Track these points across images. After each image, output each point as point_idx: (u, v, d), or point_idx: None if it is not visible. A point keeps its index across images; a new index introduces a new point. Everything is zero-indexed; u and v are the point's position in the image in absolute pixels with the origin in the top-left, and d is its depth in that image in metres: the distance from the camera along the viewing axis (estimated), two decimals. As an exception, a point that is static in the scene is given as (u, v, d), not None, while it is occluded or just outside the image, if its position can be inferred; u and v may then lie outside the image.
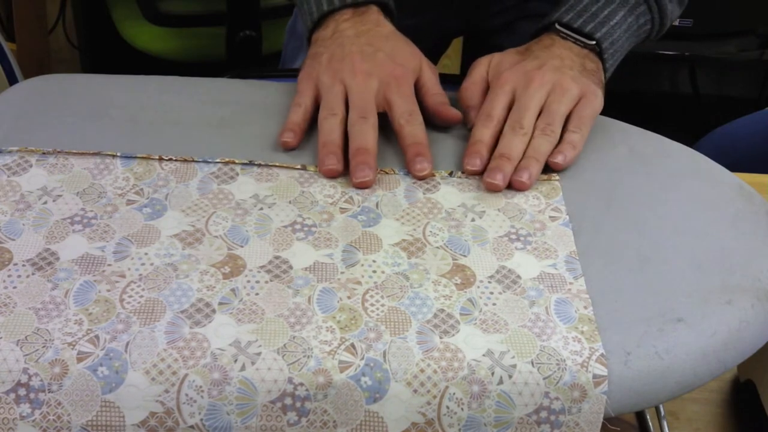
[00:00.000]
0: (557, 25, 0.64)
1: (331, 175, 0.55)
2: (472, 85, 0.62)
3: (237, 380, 0.42)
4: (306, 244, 0.49)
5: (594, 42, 0.63)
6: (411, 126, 0.57)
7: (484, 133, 0.57)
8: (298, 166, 0.56)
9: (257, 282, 0.46)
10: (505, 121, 0.58)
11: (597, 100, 0.60)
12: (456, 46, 1.02)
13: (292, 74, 0.86)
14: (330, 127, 0.57)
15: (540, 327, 0.45)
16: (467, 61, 0.95)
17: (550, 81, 0.59)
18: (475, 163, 0.56)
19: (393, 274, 0.48)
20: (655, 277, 0.49)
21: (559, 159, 0.56)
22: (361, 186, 0.54)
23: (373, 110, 0.58)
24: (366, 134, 0.56)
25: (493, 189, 0.54)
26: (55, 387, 0.41)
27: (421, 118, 0.58)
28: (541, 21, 0.66)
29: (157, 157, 0.55)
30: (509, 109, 0.59)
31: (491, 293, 0.47)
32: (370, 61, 0.59)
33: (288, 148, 0.57)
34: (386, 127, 0.58)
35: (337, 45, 0.61)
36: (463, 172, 0.56)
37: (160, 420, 0.41)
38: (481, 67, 0.63)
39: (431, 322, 0.45)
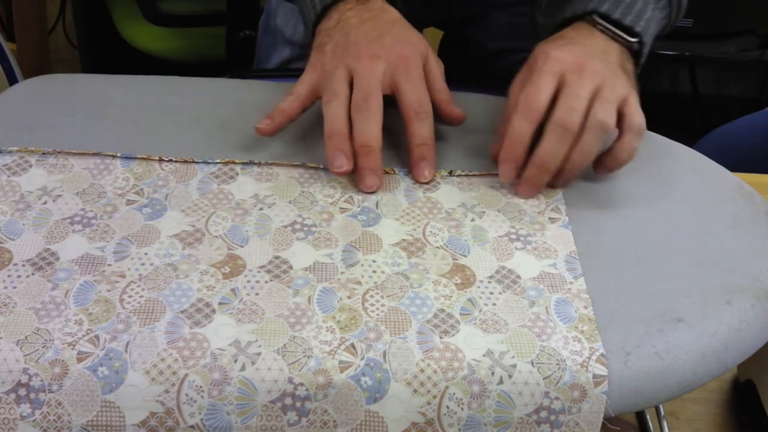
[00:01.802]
0: (596, 17, 0.58)
1: (342, 176, 0.54)
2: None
3: (237, 380, 0.42)
4: (306, 244, 0.49)
5: (635, 39, 0.58)
6: (420, 122, 0.55)
7: (523, 129, 0.53)
8: (298, 164, 0.56)
9: (257, 282, 0.46)
10: (548, 111, 0.54)
11: (638, 105, 0.55)
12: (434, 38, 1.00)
13: (292, 74, 0.86)
14: (333, 114, 0.54)
15: (540, 327, 0.45)
16: (444, 54, 0.94)
17: (601, 73, 0.54)
18: (509, 175, 0.54)
19: (393, 274, 0.48)
20: (655, 277, 0.49)
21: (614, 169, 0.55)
22: (367, 192, 0.53)
23: (377, 93, 0.55)
24: (369, 125, 0.53)
25: (526, 197, 0.54)
26: (56, 387, 0.41)
27: (430, 108, 0.56)
28: (570, 8, 0.61)
29: (157, 158, 0.55)
30: (554, 96, 0.54)
31: (491, 293, 0.47)
32: (376, 44, 0.56)
33: (261, 134, 0.56)
34: (389, 123, 0.57)
35: (342, 33, 0.58)
36: (465, 172, 0.56)
37: (160, 420, 0.41)
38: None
39: (431, 322, 0.45)
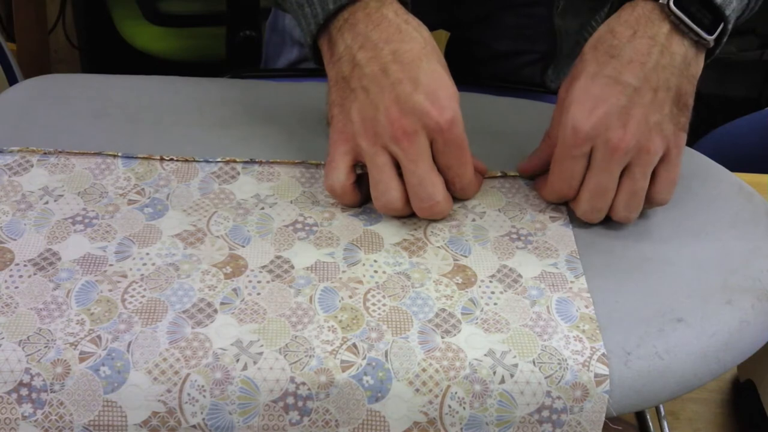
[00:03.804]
0: (672, 4, 0.49)
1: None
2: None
3: (239, 380, 0.42)
4: (307, 243, 0.49)
5: (712, 36, 0.50)
6: (464, 194, 0.53)
7: (550, 199, 0.54)
8: (299, 161, 0.56)
9: (259, 282, 0.47)
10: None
11: (681, 153, 0.51)
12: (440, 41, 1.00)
13: (292, 74, 0.87)
14: (391, 208, 0.51)
15: (541, 326, 0.45)
16: (451, 55, 0.94)
17: (635, 146, 0.49)
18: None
19: (394, 273, 0.48)
20: (655, 277, 0.49)
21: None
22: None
23: (431, 177, 0.49)
24: (434, 209, 0.50)
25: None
26: (57, 387, 0.41)
27: (472, 180, 0.52)
28: None
29: (158, 158, 0.55)
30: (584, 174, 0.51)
31: (492, 293, 0.47)
32: (408, 109, 0.48)
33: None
34: None
35: (362, 90, 0.50)
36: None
37: (162, 419, 0.41)
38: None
39: (433, 322, 0.45)
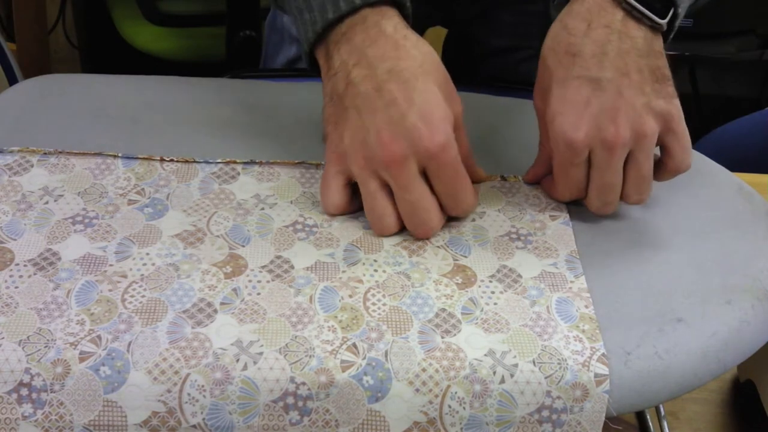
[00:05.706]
0: None
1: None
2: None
3: (239, 380, 0.42)
4: (307, 243, 0.49)
5: (665, 19, 0.50)
6: (456, 214, 0.52)
7: (562, 201, 0.54)
8: (298, 162, 0.56)
9: (259, 282, 0.47)
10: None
11: (682, 119, 0.50)
12: (438, 38, 1.00)
13: (292, 74, 0.87)
14: (387, 231, 0.50)
15: (541, 326, 0.45)
16: (448, 53, 0.94)
17: (631, 136, 0.49)
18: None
19: (394, 273, 0.48)
20: (655, 277, 0.49)
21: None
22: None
23: (425, 201, 0.49)
24: (428, 231, 0.50)
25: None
26: (58, 387, 0.41)
27: (472, 206, 0.52)
28: None
29: (159, 158, 0.55)
30: (588, 176, 0.51)
31: (492, 293, 0.47)
32: (399, 134, 0.47)
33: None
34: None
35: (354, 109, 0.48)
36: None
37: (162, 419, 0.41)
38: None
39: (433, 322, 0.45)
